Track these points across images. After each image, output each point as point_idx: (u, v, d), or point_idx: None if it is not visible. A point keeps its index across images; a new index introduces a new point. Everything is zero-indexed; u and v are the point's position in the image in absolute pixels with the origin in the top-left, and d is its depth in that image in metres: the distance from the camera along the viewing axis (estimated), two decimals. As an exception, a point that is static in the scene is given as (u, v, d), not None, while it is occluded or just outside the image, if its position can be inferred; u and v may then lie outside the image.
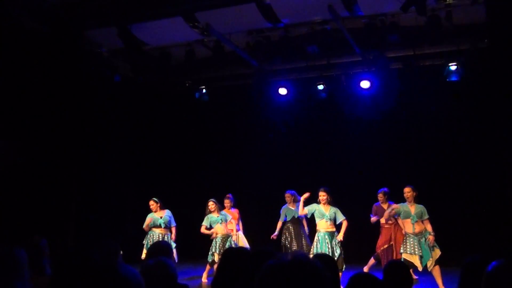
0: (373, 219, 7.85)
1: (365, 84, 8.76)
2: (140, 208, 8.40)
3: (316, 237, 7.22)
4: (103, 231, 8.50)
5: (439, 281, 6.71)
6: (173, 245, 7.61)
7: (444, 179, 9.19)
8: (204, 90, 9.81)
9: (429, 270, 6.73)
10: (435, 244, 6.78)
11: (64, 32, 7.53)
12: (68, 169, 8.12)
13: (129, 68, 9.35)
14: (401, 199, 7.17)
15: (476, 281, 2.02)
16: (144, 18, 7.41)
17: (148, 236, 8.00)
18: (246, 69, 9.32)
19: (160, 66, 8.93)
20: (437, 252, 6.75)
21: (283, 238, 8.11)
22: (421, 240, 6.78)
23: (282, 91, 9.26)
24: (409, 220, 6.92)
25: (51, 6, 7.17)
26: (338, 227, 7.34)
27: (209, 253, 7.99)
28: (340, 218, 7.29)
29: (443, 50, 8.37)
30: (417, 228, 6.85)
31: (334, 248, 7.04)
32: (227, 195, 8.55)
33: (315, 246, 7.15)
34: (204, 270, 8.14)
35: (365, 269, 7.82)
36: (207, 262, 8.03)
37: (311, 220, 7.62)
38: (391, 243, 7.66)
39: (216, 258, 7.74)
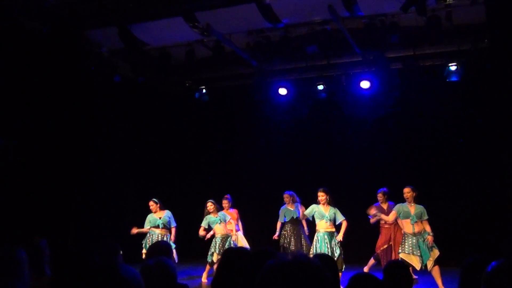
0: (373, 220, 7.85)
1: (365, 84, 8.77)
2: (140, 208, 8.39)
3: (315, 237, 7.22)
4: (103, 231, 8.50)
5: (439, 281, 6.71)
6: (173, 245, 7.59)
7: (444, 179, 9.19)
8: (204, 90, 9.80)
9: (429, 270, 6.74)
10: (434, 245, 6.78)
11: (64, 32, 7.52)
12: (68, 169, 8.11)
13: (129, 68, 9.34)
14: (401, 199, 7.17)
15: (476, 281, 2.02)
16: (144, 18, 7.41)
17: (147, 236, 7.99)
18: (246, 69, 9.32)
19: (160, 66, 8.92)
20: (436, 253, 6.76)
21: (282, 239, 8.11)
22: (420, 240, 6.79)
23: (282, 91, 9.26)
24: (408, 220, 6.92)
25: (51, 6, 7.15)
26: (337, 227, 7.35)
27: (209, 253, 8.00)
28: (340, 218, 7.29)
29: (443, 50, 8.37)
30: (417, 228, 6.86)
31: (334, 248, 7.04)
32: (225, 196, 8.55)
33: (314, 246, 7.15)
34: (204, 270, 8.15)
35: (365, 269, 7.82)
36: (207, 262, 8.04)
37: (311, 221, 7.63)
38: (390, 243, 7.67)
39: (216, 258, 7.75)
